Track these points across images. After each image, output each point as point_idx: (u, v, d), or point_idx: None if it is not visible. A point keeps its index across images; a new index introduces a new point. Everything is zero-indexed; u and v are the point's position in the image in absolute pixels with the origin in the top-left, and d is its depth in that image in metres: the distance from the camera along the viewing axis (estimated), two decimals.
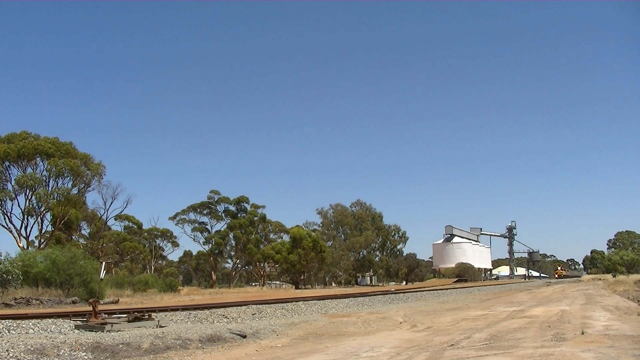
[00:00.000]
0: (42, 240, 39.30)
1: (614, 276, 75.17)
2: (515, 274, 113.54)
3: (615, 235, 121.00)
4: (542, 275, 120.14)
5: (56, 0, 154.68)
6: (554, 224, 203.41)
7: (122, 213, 51.09)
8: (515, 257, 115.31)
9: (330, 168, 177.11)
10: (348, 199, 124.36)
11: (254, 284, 69.18)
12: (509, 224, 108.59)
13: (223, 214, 63.64)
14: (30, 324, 11.90)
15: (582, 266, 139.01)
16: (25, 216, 36.80)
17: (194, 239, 63.41)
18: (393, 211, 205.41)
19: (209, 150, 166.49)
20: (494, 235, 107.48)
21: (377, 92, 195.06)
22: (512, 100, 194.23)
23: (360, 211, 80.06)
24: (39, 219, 37.57)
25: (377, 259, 78.79)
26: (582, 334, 11.33)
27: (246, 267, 69.36)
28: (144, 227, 59.59)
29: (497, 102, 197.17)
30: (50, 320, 12.49)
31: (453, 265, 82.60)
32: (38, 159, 37.25)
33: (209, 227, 63.68)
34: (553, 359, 8.21)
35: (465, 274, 75.74)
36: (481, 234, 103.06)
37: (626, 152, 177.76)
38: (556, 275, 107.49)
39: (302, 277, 62.59)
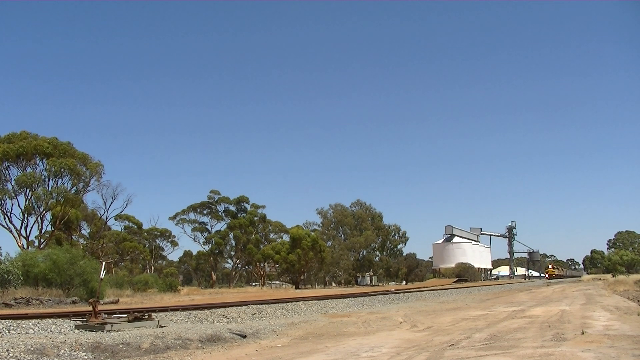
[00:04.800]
0: (42, 240, 39.31)
1: (613, 276, 75.16)
2: (515, 274, 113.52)
3: (615, 235, 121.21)
4: (542, 275, 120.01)
5: (56, 0, 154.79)
6: (554, 224, 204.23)
7: (122, 213, 51.22)
8: (515, 257, 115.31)
9: (330, 168, 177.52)
10: (348, 199, 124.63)
11: (254, 284, 69.17)
12: (509, 224, 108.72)
13: (223, 214, 63.62)
14: (30, 324, 11.89)
15: (582, 266, 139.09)
16: (25, 216, 36.83)
17: (194, 239, 63.49)
18: (393, 211, 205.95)
19: (209, 150, 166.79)
20: (494, 235, 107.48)
21: (377, 92, 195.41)
22: (512, 100, 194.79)
23: (360, 211, 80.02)
24: (38, 219, 37.58)
25: (377, 259, 78.75)
26: (582, 334, 11.33)
27: (246, 267, 69.33)
28: (144, 227, 59.61)
29: (497, 102, 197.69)
30: (50, 320, 12.48)
31: (453, 265, 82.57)
32: (37, 158, 37.27)
33: (209, 227, 63.73)
34: (553, 359, 8.21)
35: (465, 274, 75.70)
36: (481, 234, 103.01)
37: (626, 152, 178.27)
38: (547, 275, 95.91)
39: (302, 277, 62.56)
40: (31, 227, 37.44)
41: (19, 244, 35.89)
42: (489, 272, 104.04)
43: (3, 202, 36.56)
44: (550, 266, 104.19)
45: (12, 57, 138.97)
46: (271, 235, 68.03)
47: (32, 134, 38.58)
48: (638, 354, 8.59)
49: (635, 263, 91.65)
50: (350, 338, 12.09)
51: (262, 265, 63.40)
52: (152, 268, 59.23)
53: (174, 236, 64.29)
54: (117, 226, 55.58)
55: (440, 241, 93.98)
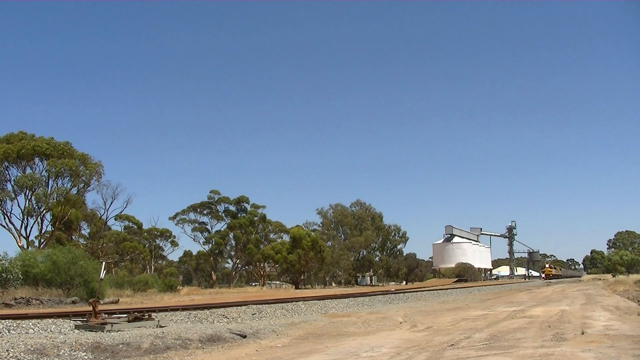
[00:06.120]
0: (42, 240, 39.31)
1: (613, 276, 75.21)
2: (515, 274, 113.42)
3: (615, 235, 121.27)
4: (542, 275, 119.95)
5: (56, 0, 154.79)
6: (554, 224, 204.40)
7: (122, 213, 51.26)
8: (515, 257, 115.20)
9: (330, 168, 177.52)
10: (348, 199, 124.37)
11: (254, 284, 69.16)
12: (509, 224, 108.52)
13: (223, 214, 63.61)
14: (30, 324, 11.89)
15: (582, 266, 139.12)
16: (25, 216, 36.84)
17: (194, 239, 63.45)
18: (393, 211, 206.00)
19: (209, 150, 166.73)
20: (494, 235, 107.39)
21: (377, 92, 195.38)
22: (512, 100, 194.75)
23: (360, 211, 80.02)
24: (38, 219, 37.59)
25: (377, 259, 78.75)
26: (582, 334, 11.33)
27: (246, 267, 69.31)
28: (144, 227, 59.59)
29: (497, 102, 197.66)
30: (50, 320, 12.48)
31: (453, 265, 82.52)
32: (37, 159, 37.29)
33: (209, 227, 63.71)
34: (553, 359, 8.21)
35: (465, 274, 75.67)
36: (481, 234, 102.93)
37: (626, 152, 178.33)
38: (543, 276, 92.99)
39: (302, 277, 62.56)
40: (31, 227, 37.55)
41: (19, 244, 35.91)
42: (489, 272, 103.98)
43: (3, 202, 36.60)
44: (547, 266, 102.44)
45: (10, 56, 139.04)
46: (271, 235, 68.02)
47: (29, 134, 38.63)
48: (638, 354, 8.59)
49: (635, 263, 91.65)
50: (350, 338, 12.09)
51: (262, 265, 63.40)
52: (152, 268, 59.18)
53: (174, 236, 64.31)
54: (117, 226, 55.65)
55: (440, 241, 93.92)
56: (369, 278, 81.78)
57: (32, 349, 8.96)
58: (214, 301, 22.99)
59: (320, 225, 76.33)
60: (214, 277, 63.50)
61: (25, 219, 36.94)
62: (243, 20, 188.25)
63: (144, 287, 36.12)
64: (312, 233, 62.43)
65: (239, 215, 62.84)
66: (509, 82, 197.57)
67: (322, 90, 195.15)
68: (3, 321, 11.73)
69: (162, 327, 12.68)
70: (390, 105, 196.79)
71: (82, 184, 38.72)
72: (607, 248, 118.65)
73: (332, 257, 65.35)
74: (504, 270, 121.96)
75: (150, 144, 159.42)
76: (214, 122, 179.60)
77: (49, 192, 36.29)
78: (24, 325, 11.63)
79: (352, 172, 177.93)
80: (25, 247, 35.86)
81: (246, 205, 63.46)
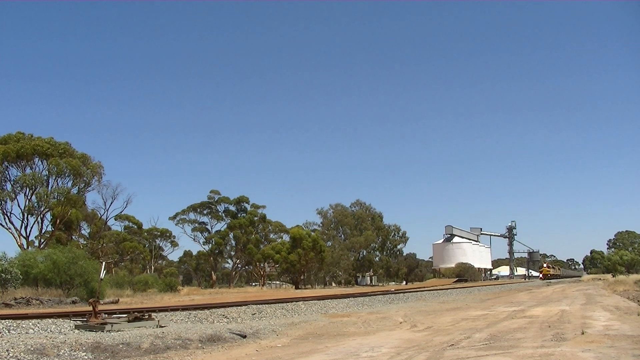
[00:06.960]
0: (42, 240, 39.29)
1: (613, 276, 75.19)
2: (515, 274, 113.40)
3: (615, 235, 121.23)
4: None
5: (56, 0, 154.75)
6: (554, 224, 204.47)
7: (122, 213, 51.26)
8: (515, 257, 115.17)
9: (330, 168, 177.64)
10: (348, 199, 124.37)
11: (254, 284, 69.16)
12: (509, 224, 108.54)
13: (223, 214, 63.62)
14: (30, 324, 11.89)
15: (582, 266, 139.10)
16: (26, 216, 36.81)
17: (194, 239, 63.50)
18: (393, 211, 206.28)
19: (209, 150, 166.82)
20: (494, 235, 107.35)
21: (377, 92, 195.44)
22: (512, 100, 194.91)
23: (360, 211, 79.97)
24: (38, 219, 37.56)
25: (377, 259, 78.72)
26: (582, 334, 11.33)
27: (246, 267, 69.31)
28: (144, 227, 59.60)
29: (497, 102, 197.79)
30: (50, 320, 12.48)
31: (453, 265, 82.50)
32: (37, 159, 37.27)
33: (209, 227, 63.73)
34: (553, 359, 8.21)
35: (465, 274, 75.66)
36: (481, 234, 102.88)
37: (626, 152, 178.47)
38: (541, 275, 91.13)
39: (302, 277, 62.54)
40: (31, 227, 37.49)
41: (19, 243, 35.88)
42: (489, 272, 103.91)
43: (3, 202, 36.55)
44: (545, 265, 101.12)
45: (9, 56, 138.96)
46: (271, 235, 68.00)
47: (28, 134, 38.60)
48: (638, 354, 8.59)
49: (635, 263, 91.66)
50: (350, 338, 12.09)
51: (262, 265, 63.39)
52: (152, 268, 59.21)
53: (174, 236, 64.36)
54: (117, 226, 55.66)
55: (440, 241, 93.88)
56: (369, 278, 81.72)
57: (32, 349, 8.96)
58: (214, 301, 22.98)
59: (320, 225, 76.28)
60: (214, 277, 63.49)
61: (25, 219, 36.94)
62: (243, 20, 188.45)
63: (144, 287, 36.13)
64: (312, 233, 62.39)
65: (239, 215, 62.84)
66: (509, 82, 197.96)
67: (322, 90, 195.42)
68: (3, 321, 11.73)
69: (162, 327, 12.68)
70: (390, 105, 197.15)
71: (83, 184, 38.71)
72: (607, 248, 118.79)
73: (332, 257, 65.31)
74: (504, 270, 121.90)
75: (150, 144, 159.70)
76: (214, 122, 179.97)
77: (49, 191, 36.26)
78: (24, 325, 11.62)
79: (352, 172, 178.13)
80: (25, 247, 35.83)
81: (246, 205, 63.51)
